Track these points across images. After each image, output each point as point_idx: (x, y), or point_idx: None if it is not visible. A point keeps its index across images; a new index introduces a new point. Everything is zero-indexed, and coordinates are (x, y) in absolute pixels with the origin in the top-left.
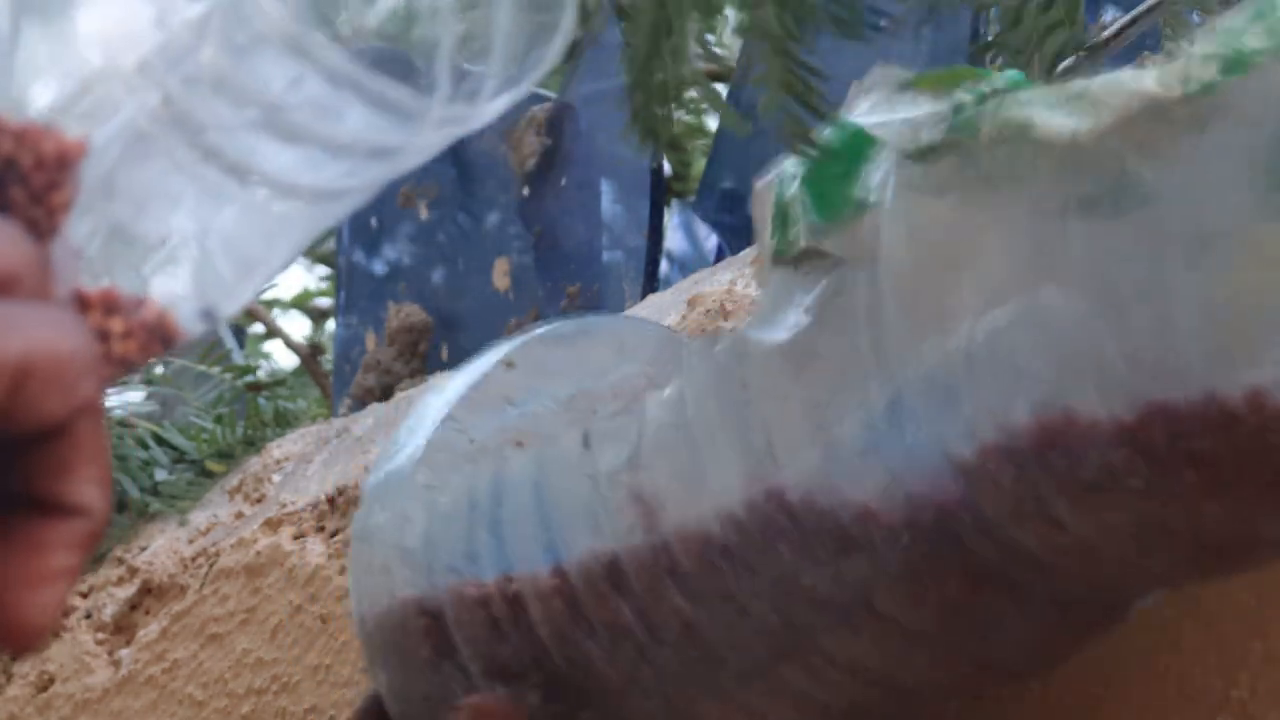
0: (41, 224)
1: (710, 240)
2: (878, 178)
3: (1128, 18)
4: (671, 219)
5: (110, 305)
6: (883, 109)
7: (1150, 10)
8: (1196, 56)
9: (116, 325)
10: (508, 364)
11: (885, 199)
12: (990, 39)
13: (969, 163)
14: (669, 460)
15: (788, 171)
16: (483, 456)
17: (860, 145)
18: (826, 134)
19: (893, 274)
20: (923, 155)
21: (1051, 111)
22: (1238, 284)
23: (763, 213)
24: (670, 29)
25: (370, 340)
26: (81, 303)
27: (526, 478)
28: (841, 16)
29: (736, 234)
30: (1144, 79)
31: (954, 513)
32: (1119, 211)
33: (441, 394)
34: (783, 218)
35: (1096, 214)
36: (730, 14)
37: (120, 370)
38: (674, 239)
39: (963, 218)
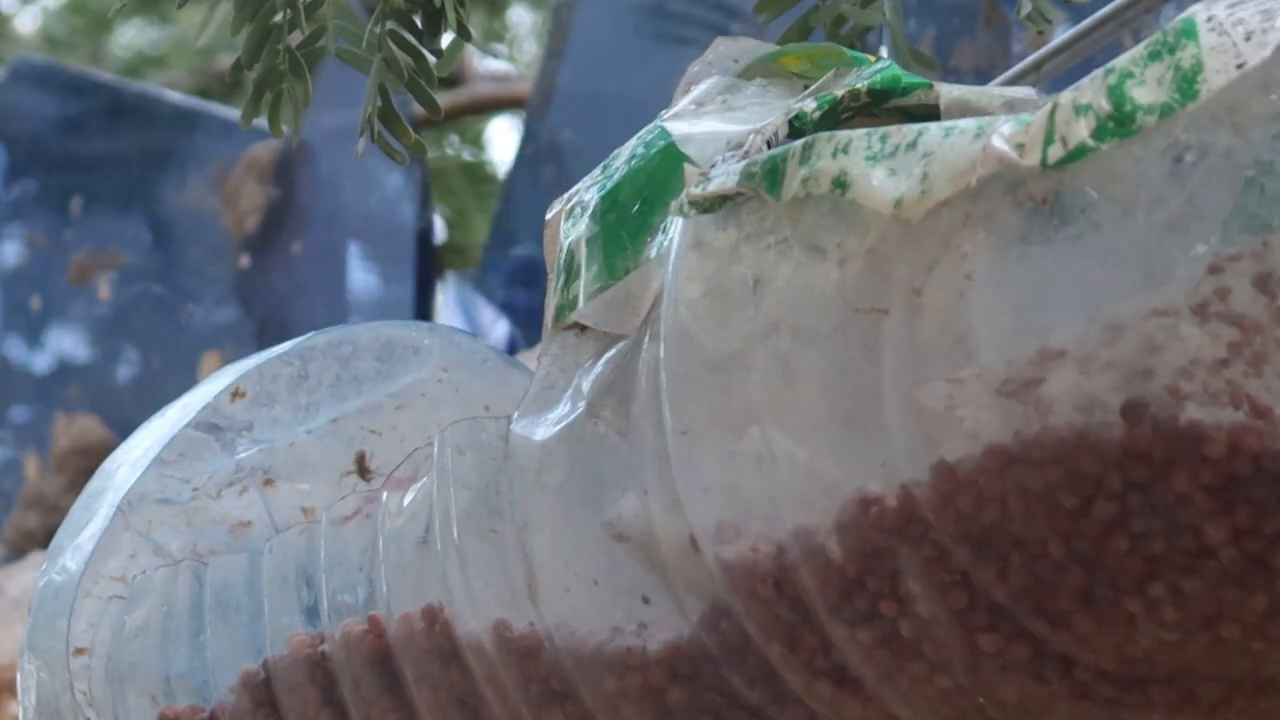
0: None
1: (498, 327)
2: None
3: (1077, 29)
4: (445, 297)
5: None
6: (715, 106)
7: (1108, 21)
8: (1066, 107)
9: None
10: (236, 393)
11: (670, 256)
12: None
13: (767, 223)
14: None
15: (581, 200)
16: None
17: (670, 167)
18: (631, 148)
19: (672, 361)
20: (710, 206)
21: (874, 167)
22: None
23: (553, 253)
24: None
25: (31, 466)
26: None
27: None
28: None
29: (533, 319)
30: (995, 134)
31: (721, 619)
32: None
33: (134, 448)
34: (568, 267)
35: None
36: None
37: None
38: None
39: (758, 292)
